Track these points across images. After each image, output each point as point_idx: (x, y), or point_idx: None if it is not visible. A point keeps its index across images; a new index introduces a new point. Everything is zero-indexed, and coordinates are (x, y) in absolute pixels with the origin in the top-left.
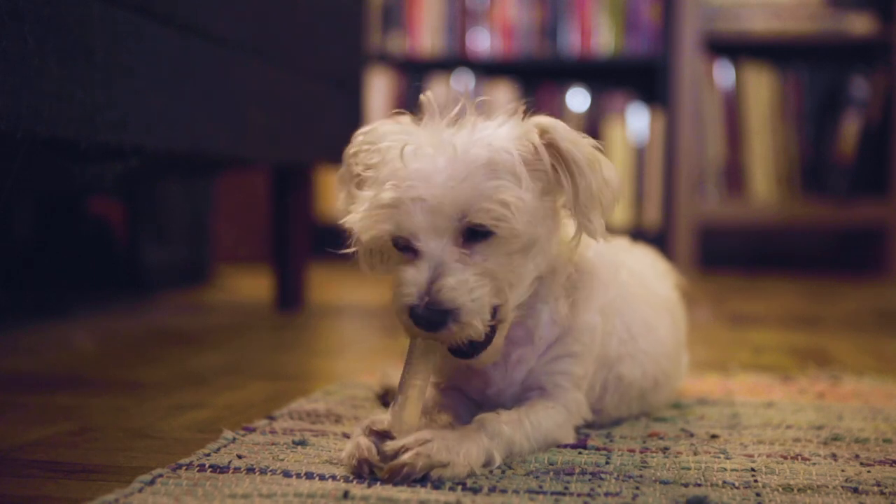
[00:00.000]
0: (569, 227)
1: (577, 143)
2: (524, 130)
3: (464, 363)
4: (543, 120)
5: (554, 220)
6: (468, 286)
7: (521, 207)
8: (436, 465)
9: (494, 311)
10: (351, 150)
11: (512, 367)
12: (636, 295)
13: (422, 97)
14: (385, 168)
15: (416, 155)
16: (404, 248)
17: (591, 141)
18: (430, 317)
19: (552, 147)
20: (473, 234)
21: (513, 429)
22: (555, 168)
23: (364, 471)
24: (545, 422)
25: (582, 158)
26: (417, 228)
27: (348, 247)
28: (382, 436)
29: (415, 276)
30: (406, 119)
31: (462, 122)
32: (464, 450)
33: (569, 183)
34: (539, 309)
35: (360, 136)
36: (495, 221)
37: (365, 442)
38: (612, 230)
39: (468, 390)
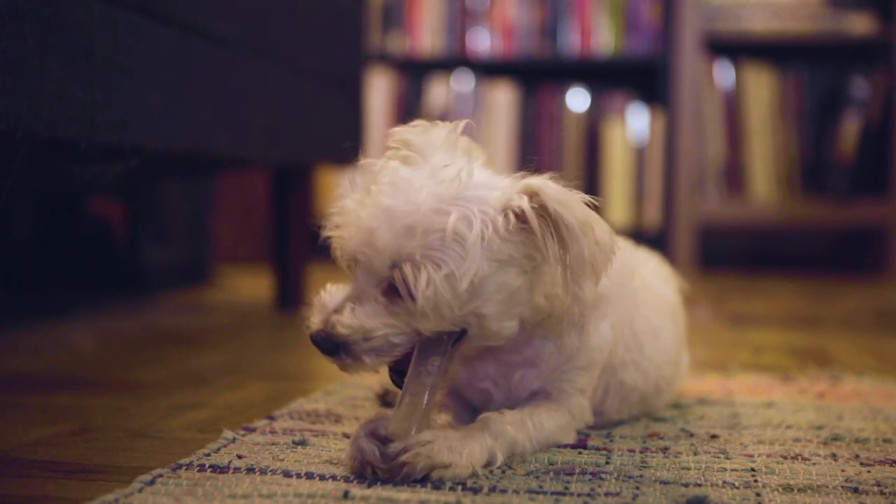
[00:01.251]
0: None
1: (568, 204)
2: (509, 196)
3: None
4: (533, 182)
5: (527, 289)
6: (363, 329)
7: (433, 291)
8: (437, 467)
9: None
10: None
11: (514, 388)
12: (645, 301)
13: (458, 122)
14: (375, 184)
15: (397, 186)
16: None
17: (582, 198)
18: (321, 344)
19: (542, 209)
20: (398, 290)
21: (516, 429)
22: (542, 233)
23: (367, 472)
24: (548, 424)
25: (573, 222)
26: (359, 256)
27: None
28: (384, 439)
29: (327, 300)
30: (437, 136)
31: (458, 167)
32: (467, 450)
33: (557, 249)
34: (538, 344)
35: (392, 133)
36: (403, 286)
37: (367, 443)
38: (613, 231)
39: (471, 399)
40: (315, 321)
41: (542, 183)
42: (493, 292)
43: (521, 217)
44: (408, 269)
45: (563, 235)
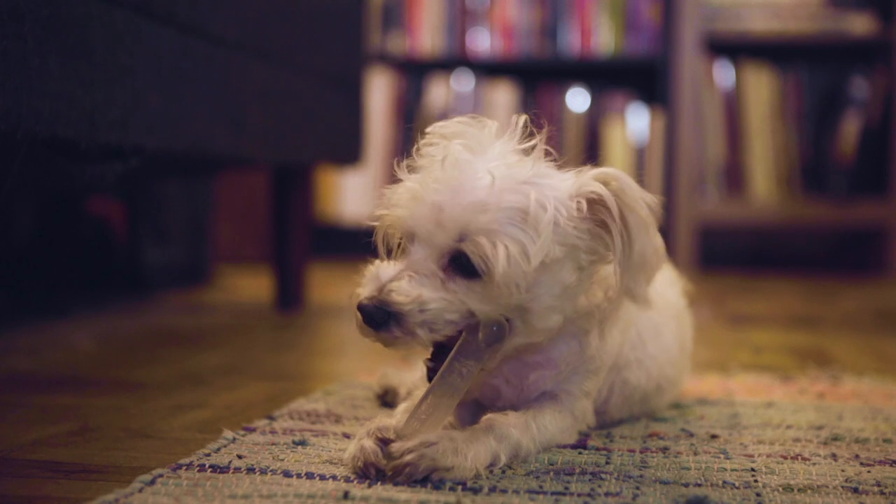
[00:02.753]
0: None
1: (640, 198)
2: (583, 183)
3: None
4: (609, 170)
5: (577, 286)
6: (420, 299)
7: (506, 261)
8: (439, 468)
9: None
10: (422, 140)
11: (527, 389)
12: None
13: (516, 116)
14: (432, 166)
15: (461, 166)
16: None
17: (650, 199)
18: (373, 313)
19: (618, 198)
20: (460, 266)
21: (520, 432)
22: (605, 225)
23: (370, 473)
24: (551, 427)
25: (645, 215)
26: (417, 230)
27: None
28: (387, 441)
29: (379, 272)
30: (492, 128)
31: (528, 158)
32: (472, 452)
33: (624, 241)
34: (566, 341)
35: (437, 127)
36: (478, 259)
37: (370, 444)
38: None
39: (479, 398)
40: (365, 291)
41: (615, 172)
42: (550, 284)
43: (593, 204)
44: (483, 240)
45: (631, 229)
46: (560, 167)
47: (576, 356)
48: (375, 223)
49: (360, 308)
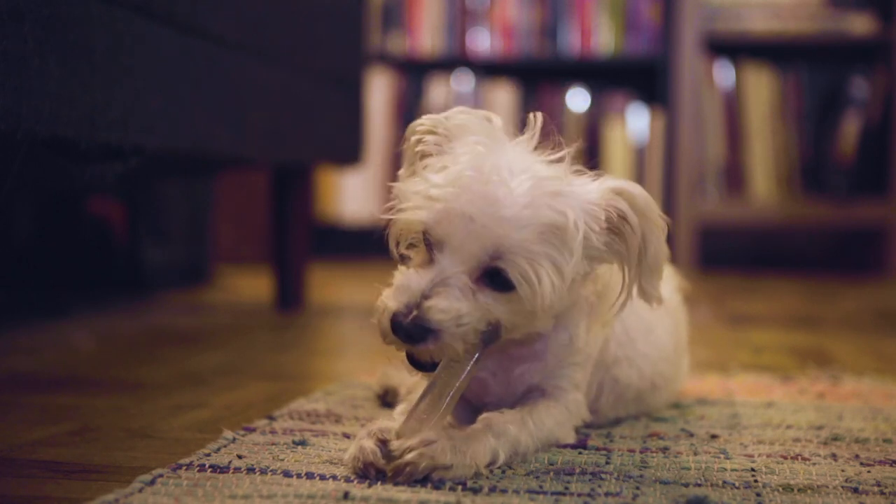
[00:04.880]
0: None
1: (653, 207)
2: (604, 196)
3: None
4: (623, 184)
5: (576, 293)
6: (458, 314)
7: (550, 286)
8: (439, 468)
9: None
10: (421, 126)
11: (514, 382)
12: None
13: (531, 116)
14: (457, 167)
15: (489, 172)
16: (428, 245)
17: (656, 206)
18: (411, 331)
19: (636, 210)
20: (491, 278)
21: (518, 429)
22: (620, 233)
23: (371, 473)
24: (547, 421)
25: (659, 225)
26: (448, 239)
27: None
28: (387, 441)
29: (412, 282)
30: (497, 124)
31: (554, 166)
32: (471, 450)
33: (641, 249)
34: (558, 333)
35: (440, 117)
36: (520, 280)
37: (369, 445)
38: None
39: (466, 393)
40: (398, 305)
41: (630, 185)
42: (567, 294)
43: (614, 217)
44: (521, 261)
45: (647, 237)
46: (575, 170)
47: (563, 348)
48: (389, 220)
49: (396, 325)
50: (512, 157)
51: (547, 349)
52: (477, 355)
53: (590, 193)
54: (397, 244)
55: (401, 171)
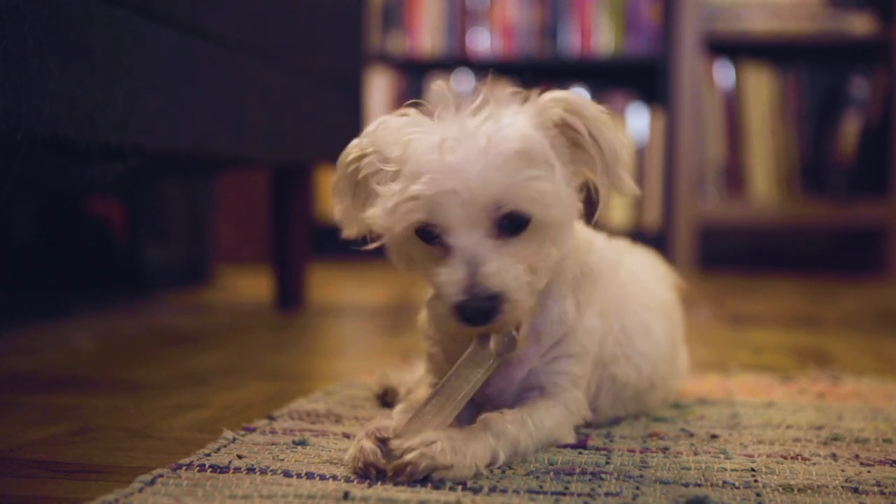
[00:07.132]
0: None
1: (588, 104)
2: (541, 110)
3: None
4: (558, 94)
5: (574, 202)
6: (508, 269)
7: (556, 195)
8: (439, 468)
9: None
10: (350, 155)
11: (513, 367)
12: (634, 296)
13: (435, 87)
14: (410, 161)
15: (444, 147)
16: (432, 239)
17: (591, 104)
18: (479, 306)
19: (575, 116)
20: (508, 225)
21: (517, 428)
22: (575, 142)
23: (371, 473)
24: (547, 420)
25: (598, 116)
26: (451, 222)
27: (375, 241)
28: (386, 442)
29: (451, 275)
30: (415, 112)
31: (481, 113)
32: (471, 451)
33: (595, 148)
34: (549, 306)
35: (363, 139)
36: (534, 210)
37: (369, 445)
38: (611, 231)
39: None
40: (456, 294)
41: (560, 93)
42: (569, 202)
43: (560, 126)
44: (519, 190)
45: (594, 132)
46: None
47: (555, 326)
48: (383, 240)
49: (464, 309)
50: (449, 124)
51: (540, 330)
52: (490, 362)
53: (529, 114)
54: (402, 259)
55: (340, 207)
